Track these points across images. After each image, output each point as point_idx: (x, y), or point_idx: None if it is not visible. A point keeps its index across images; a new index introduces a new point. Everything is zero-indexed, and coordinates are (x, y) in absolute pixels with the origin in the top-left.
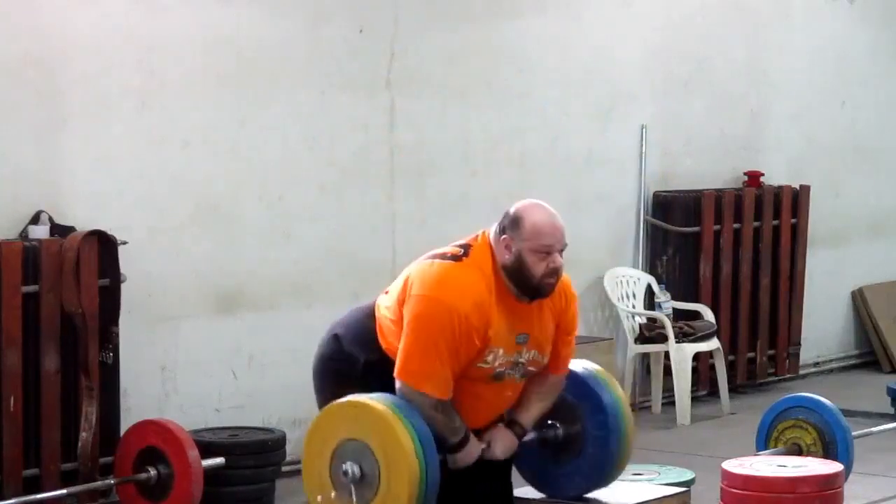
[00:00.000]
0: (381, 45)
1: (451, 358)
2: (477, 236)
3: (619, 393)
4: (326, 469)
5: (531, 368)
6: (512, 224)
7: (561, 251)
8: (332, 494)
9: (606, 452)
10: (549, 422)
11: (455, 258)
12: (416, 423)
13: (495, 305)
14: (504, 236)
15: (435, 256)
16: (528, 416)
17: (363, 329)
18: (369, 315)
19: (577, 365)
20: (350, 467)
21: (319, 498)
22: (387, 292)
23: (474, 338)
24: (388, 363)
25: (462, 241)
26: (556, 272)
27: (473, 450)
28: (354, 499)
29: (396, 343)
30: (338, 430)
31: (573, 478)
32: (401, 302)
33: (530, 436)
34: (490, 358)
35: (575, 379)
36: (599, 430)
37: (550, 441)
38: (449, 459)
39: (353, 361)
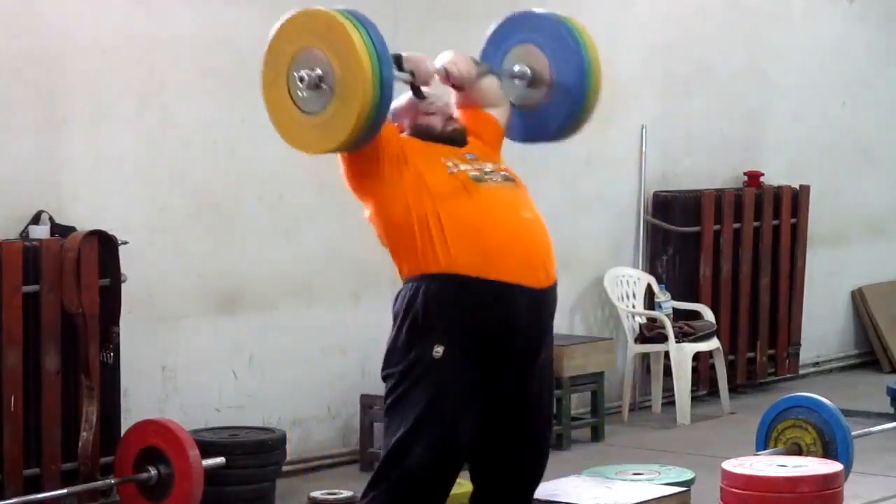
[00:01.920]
0: None
1: None
2: None
3: (587, 36)
4: (284, 81)
5: (504, 174)
6: (394, 113)
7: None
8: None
9: (575, 69)
10: (516, 67)
11: None
12: (370, 28)
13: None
14: (394, 125)
15: None
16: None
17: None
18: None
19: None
20: (306, 74)
21: None
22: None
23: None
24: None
25: None
26: (451, 118)
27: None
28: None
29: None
30: (289, 43)
31: (544, 119)
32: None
33: (498, 74)
34: (450, 164)
35: (543, 24)
36: (564, 51)
37: (518, 76)
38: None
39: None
